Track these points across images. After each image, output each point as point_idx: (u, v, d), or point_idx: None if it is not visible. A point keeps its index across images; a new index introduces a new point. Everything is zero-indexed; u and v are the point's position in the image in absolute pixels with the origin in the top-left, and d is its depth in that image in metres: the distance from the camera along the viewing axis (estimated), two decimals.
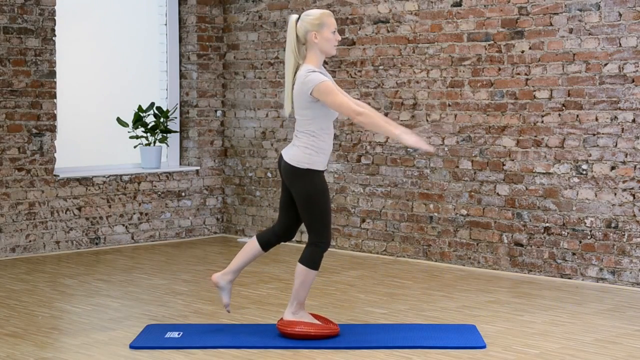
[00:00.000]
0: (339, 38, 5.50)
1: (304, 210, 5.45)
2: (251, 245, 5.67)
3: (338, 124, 8.64)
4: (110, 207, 8.90)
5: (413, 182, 8.20)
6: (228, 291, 5.71)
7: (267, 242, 5.65)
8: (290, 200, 5.57)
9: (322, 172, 5.47)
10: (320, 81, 5.30)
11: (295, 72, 5.44)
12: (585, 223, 7.24)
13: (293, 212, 5.59)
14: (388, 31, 8.34)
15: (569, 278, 7.33)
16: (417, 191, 8.19)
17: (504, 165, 7.68)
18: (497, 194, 7.72)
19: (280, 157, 5.51)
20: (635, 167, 7.01)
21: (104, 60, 9.37)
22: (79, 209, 8.70)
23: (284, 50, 9.13)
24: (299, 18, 5.44)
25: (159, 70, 9.58)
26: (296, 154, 5.41)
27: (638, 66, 6.97)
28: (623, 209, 7.06)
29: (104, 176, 8.86)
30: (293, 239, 5.81)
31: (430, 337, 5.51)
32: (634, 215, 7.01)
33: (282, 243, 5.78)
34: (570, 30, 7.29)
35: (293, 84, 5.43)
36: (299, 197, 5.43)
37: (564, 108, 7.35)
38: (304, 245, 5.57)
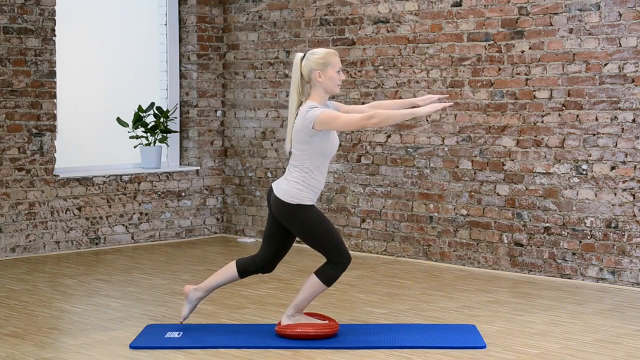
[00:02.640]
0: (343, 77, 5.52)
1: (310, 243, 5.46)
2: (229, 268, 5.66)
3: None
4: (110, 207, 8.90)
5: (413, 182, 8.20)
6: (192, 307, 5.75)
7: (245, 270, 5.64)
8: (276, 230, 5.55)
9: (313, 205, 5.45)
10: (319, 113, 5.30)
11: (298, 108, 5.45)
12: (585, 223, 7.24)
13: (276, 245, 5.57)
14: (388, 31, 8.34)
15: (569, 278, 7.33)
16: (417, 191, 8.19)
17: (504, 165, 7.68)
18: (497, 194, 7.72)
19: (270, 189, 5.51)
20: (635, 167, 7.01)
21: (104, 60, 9.37)
22: (79, 209, 8.70)
23: (284, 50, 9.17)
24: (304, 56, 5.45)
25: (159, 70, 9.58)
26: (287, 189, 5.41)
27: (638, 66, 6.97)
28: (623, 209, 7.06)
29: (104, 176, 8.86)
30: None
31: (430, 337, 5.51)
32: (634, 215, 7.01)
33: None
34: (570, 30, 7.29)
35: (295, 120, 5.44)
36: (299, 232, 5.45)
37: (564, 108, 7.35)
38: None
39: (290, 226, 5.45)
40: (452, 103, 5.79)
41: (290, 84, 5.50)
